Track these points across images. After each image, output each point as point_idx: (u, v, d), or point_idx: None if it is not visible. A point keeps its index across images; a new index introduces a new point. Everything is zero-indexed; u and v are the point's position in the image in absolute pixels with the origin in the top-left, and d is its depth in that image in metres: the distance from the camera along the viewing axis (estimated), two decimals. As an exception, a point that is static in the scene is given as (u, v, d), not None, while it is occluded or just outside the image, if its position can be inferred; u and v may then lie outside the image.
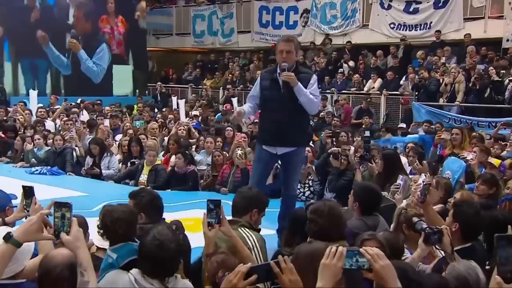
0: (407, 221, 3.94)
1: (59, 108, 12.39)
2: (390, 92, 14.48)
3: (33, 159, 8.92)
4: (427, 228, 3.27)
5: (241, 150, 7.50)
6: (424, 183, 3.89)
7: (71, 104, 12.87)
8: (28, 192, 3.32)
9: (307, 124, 5.46)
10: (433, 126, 10.39)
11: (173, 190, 7.63)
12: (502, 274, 2.33)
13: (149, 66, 21.71)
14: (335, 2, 17.75)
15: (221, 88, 18.11)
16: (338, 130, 9.80)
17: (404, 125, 11.35)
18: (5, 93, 14.83)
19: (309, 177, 7.28)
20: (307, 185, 7.30)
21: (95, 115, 11.75)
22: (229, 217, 3.57)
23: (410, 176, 5.92)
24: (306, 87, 4.97)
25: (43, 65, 17.61)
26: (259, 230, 4.01)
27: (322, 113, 12.86)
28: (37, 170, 8.43)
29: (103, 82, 18.81)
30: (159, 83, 18.71)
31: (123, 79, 19.42)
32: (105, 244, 3.22)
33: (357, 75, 15.54)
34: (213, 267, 2.89)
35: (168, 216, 5.42)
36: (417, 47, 15.98)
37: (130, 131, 9.48)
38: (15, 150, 9.40)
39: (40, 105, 12.42)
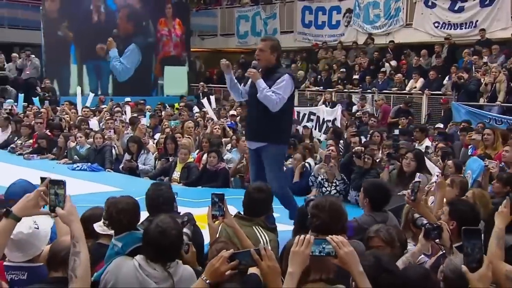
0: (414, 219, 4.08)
1: (105, 107, 13.06)
2: (432, 92, 14.36)
3: (76, 156, 9.49)
4: (427, 224, 3.41)
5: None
6: (414, 181, 3.99)
7: (117, 103, 13.54)
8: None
9: (280, 122, 5.38)
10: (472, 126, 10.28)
11: (203, 187, 7.93)
12: (467, 264, 2.50)
13: (197, 67, 22.31)
14: (378, 1, 17.70)
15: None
16: (373, 130, 9.94)
17: (441, 125, 11.25)
18: (56, 92, 15.61)
19: (337, 177, 7.41)
20: (334, 184, 7.43)
21: (137, 114, 12.29)
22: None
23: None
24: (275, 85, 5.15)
25: (106, 67, 18.56)
26: (274, 229, 4.22)
27: (358, 113, 12.92)
28: (78, 166, 9.00)
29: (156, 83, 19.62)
30: (201, 83, 19.17)
31: (178, 80, 20.06)
32: (107, 230, 3.48)
33: (399, 74, 15.48)
34: (213, 255, 3.14)
35: (195, 212, 5.75)
36: (462, 46, 15.74)
37: (168, 130, 9.88)
38: (59, 147, 9.99)
39: (87, 104, 13.11)
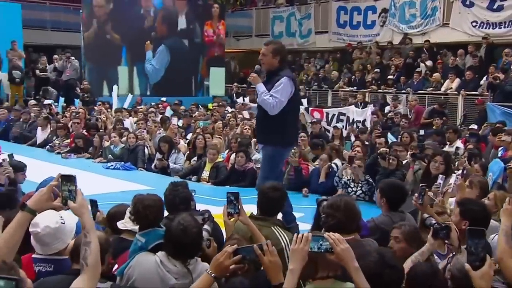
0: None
1: (141, 108, 13.44)
2: (468, 92, 14.15)
3: (110, 155, 9.83)
4: (436, 224, 3.49)
5: (294, 148, 7.86)
6: (421, 185, 4.07)
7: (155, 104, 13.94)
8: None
9: (278, 124, 5.39)
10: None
11: (231, 186, 8.11)
12: (471, 263, 2.60)
13: (231, 67, 22.59)
14: (415, 1, 17.56)
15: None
16: (403, 131, 9.91)
17: (475, 126, 11.11)
18: (93, 93, 16.10)
19: (360, 178, 7.48)
20: (360, 185, 7.50)
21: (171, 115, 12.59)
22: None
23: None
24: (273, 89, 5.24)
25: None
26: (291, 228, 4.35)
27: (390, 114, 12.88)
28: (112, 165, 9.34)
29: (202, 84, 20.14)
30: (234, 84, 19.41)
31: (219, 80, 20.45)
32: (128, 226, 3.68)
33: (436, 74, 15.31)
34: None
35: (218, 211, 5.95)
36: (500, 45, 15.44)
37: (199, 130, 10.12)
38: (94, 147, 10.36)
39: (125, 105, 13.55)
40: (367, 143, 8.72)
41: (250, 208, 6.59)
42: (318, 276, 2.74)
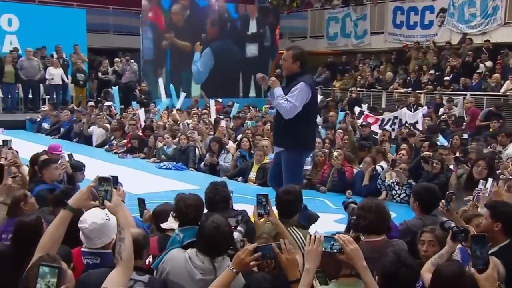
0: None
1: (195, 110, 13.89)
2: (528, 94, 13.79)
3: (163, 156, 10.23)
4: (455, 227, 3.58)
5: (337, 151, 8.00)
6: (448, 192, 4.13)
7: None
8: (114, 181, 4.05)
9: (294, 129, 5.51)
10: None
11: (277, 187, 8.36)
12: (476, 267, 2.76)
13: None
14: (475, 0, 17.18)
15: (349, 89, 18.48)
16: (453, 134, 9.82)
17: (529, 130, 10.82)
18: (150, 95, 16.74)
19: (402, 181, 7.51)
20: (404, 188, 7.53)
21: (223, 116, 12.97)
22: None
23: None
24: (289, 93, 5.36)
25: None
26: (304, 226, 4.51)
27: (443, 116, 12.73)
28: (164, 165, 9.75)
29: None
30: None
31: None
32: (173, 226, 3.94)
33: (496, 74, 14.95)
34: None
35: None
36: None
37: (247, 131, 10.40)
38: (149, 147, 10.79)
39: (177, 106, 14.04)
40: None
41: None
42: (341, 274, 2.94)
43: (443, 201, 4.08)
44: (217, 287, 2.89)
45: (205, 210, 4.12)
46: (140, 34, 18.95)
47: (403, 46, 19.14)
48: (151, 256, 3.57)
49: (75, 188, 6.26)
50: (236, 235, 3.66)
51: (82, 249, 3.61)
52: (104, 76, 17.96)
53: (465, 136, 8.75)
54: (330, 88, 19.45)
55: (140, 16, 18.89)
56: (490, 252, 3.73)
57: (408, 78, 17.49)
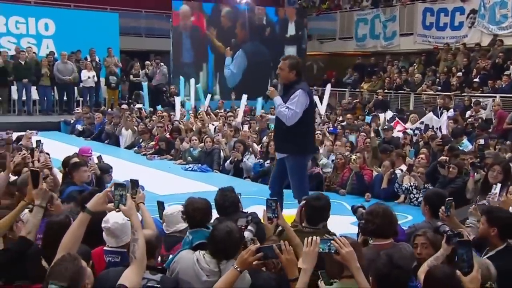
0: None
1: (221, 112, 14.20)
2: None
3: (189, 157, 10.53)
4: (449, 231, 3.74)
5: (356, 155, 8.19)
6: (447, 199, 4.26)
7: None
8: (134, 184, 4.23)
9: (296, 135, 5.78)
10: None
11: (299, 189, 8.57)
12: (461, 269, 2.98)
13: (314, 70, 22.99)
14: (506, 0, 16.99)
15: (376, 92, 18.54)
16: (477, 138, 9.85)
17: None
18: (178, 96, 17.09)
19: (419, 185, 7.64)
20: (422, 192, 7.65)
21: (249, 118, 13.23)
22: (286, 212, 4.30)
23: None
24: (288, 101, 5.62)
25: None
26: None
27: (470, 119, 12.71)
28: (190, 167, 10.04)
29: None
30: (314, 87, 19.74)
31: None
32: (178, 227, 4.22)
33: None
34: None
35: (284, 212, 6.43)
36: None
37: (271, 133, 10.61)
38: (176, 149, 11.08)
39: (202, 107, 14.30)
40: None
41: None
42: (343, 275, 3.16)
43: (443, 207, 4.22)
44: (222, 285, 3.12)
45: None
46: (170, 37, 19.36)
47: (433, 47, 19.04)
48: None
49: (101, 190, 6.64)
50: (247, 234, 3.87)
51: (105, 248, 3.83)
52: (135, 78, 18.41)
53: (482, 141, 8.75)
54: (358, 89, 19.48)
55: (170, 20, 19.26)
56: (487, 256, 3.96)
57: (437, 80, 17.42)
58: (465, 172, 7.45)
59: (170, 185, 8.88)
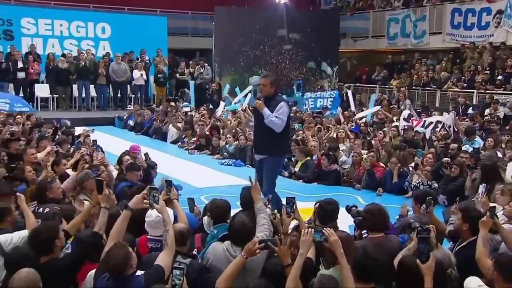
0: None
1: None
2: None
3: (225, 153, 11.24)
4: (419, 227, 4.27)
5: (369, 153, 8.80)
6: (428, 198, 4.79)
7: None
8: (169, 183, 4.96)
9: (277, 139, 6.57)
10: None
11: (318, 183, 9.25)
12: (420, 259, 3.71)
13: (347, 67, 23.37)
14: (532, 1, 16.98)
15: (406, 88, 18.79)
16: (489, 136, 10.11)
17: None
18: (220, 94, 17.60)
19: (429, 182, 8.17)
20: (428, 186, 8.07)
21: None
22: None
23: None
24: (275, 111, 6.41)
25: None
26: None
27: (486, 117, 12.91)
28: (225, 162, 10.77)
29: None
30: (346, 84, 20.18)
31: None
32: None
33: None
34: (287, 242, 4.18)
35: (304, 205, 7.05)
36: None
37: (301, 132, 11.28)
38: (213, 145, 11.83)
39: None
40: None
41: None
42: (337, 262, 3.73)
43: (424, 205, 4.78)
44: (231, 269, 3.75)
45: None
46: (212, 36, 20.06)
47: (460, 46, 19.14)
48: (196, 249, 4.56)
49: (148, 184, 7.42)
50: (268, 211, 4.55)
51: (148, 237, 4.46)
52: (181, 76, 19.27)
53: (477, 145, 9.11)
54: (387, 86, 19.83)
55: (213, 24, 19.96)
56: (461, 246, 4.59)
57: (463, 77, 17.57)
58: (466, 171, 7.80)
59: (207, 178, 9.61)
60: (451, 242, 5.03)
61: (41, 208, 5.19)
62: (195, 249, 4.61)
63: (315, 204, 5.22)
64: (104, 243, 4.10)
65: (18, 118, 10.80)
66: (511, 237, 4.52)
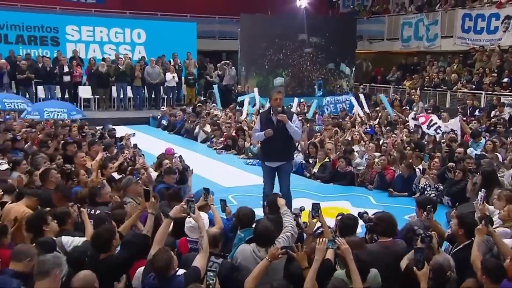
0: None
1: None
2: None
3: (250, 153, 11.51)
4: (422, 233, 4.63)
5: (380, 157, 9.09)
6: (428, 206, 5.09)
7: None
8: (207, 190, 5.41)
9: (291, 146, 7.27)
10: None
11: (334, 184, 9.55)
12: (417, 266, 4.06)
13: (363, 67, 23.49)
14: (539, 7, 16.88)
15: (418, 88, 18.89)
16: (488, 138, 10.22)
17: None
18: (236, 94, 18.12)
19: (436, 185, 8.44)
20: (435, 188, 8.43)
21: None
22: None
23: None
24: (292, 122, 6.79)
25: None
26: None
27: (493, 119, 12.93)
28: (250, 162, 11.06)
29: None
30: (361, 85, 20.32)
31: None
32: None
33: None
34: (309, 250, 4.46)
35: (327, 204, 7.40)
36: None
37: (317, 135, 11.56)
38: (239, 146, 12.11)
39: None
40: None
41: (344, 204, 8.11)
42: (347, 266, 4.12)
43: (425, 213, 5.08)
44: (257, 271, 4.08)
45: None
46: (238, 39, 20.35)
47: (470, 49, 19.12)
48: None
49: (181, 188, 7.78)
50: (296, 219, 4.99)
51: (188, 239, 4.80)
52: (209, 77, 19.67)
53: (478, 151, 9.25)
54: (401, 86, 19.93)
55: (239, 30, 20.21)
56: (457, 249, 4.84)
57: (472, 79, 17.57)
58: (468, 175, 7.96)
59: (233, 177, 9.93)
60: (449, 244, 5.28)
61: (93, 210, 5.64)
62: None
63: (337, 216, 5.49)
64: (151, 243, 4.50)
65: (66, 120, 11.31)
66: (502, 243, 4.81)
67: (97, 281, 3.77)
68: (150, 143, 12.49)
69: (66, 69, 16.82)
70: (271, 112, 6.89)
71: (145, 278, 4.08)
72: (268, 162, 7.05)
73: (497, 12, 18.31)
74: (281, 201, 5.08)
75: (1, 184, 6.10)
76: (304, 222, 5.12)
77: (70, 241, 4.73)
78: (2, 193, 5.84)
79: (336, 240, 4.12)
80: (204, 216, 4.94)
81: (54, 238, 4.73)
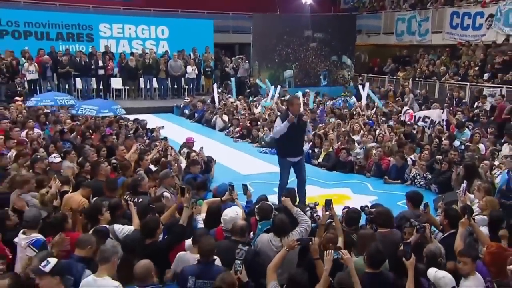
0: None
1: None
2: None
3: (263, 142, 11.61)
4: (417, 225, 4.87)
5: (377, 148, 9.32)
6: (424, 202, 5.33)
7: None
8: (232, 187, 5.71)
9: (304, 143, 7.87)
10: None
11: (337, 171, 9.78)
12: (405, 257, 4.31)
13: (362, 59, 23.45)
14: (519, 7, 16.74)
15: (410, 79, 18.93)
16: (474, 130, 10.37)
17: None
18: (256, 88, 18.17)
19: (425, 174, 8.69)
20: (423, 177, 8.68)
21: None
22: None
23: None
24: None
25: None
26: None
27: (476, 110, 12.98)
28: (263, 150, 11.19)
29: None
30: (360, 76, 20.34)
31: None
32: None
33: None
34: (325, 240, 4.78)
35: (320, 192, 7.69)
36: None
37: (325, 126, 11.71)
38: (252, 135, 12.23)
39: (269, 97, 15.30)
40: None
41: (345, 191, 8.31)
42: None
43: (421, 207, 5.33)
44: (277, 259, 4.36)
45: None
46: (250, 32, 20.28)
47: (457, 43, 19.07)
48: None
49: (209, 172, 8.06)
50: (308, 213, 5.16)
51: (223, 228, 5.01)
52: (227, 69, 19.78)
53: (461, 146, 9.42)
54: (395, 77, 19.98)
55: (252, 28, 20.10)
56: (442, 237, 5.10)
57: (458, 71, 17.58)
58: (453, 166, 8.17)
59: (249, 165, 10.06)
60: (436, 231, 5.45)
61: (136, 199, 5.96)
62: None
63: (343, 209, 5.67)
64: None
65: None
66: (481, 232, 5.07)
67: (154, 268, 4.07)
68: (174, 131, 12.73)
69: (100, 63, 17.03)
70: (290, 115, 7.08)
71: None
72: (290, 157, 7.27)
73: (482, 11, 18.20)
74: (287, 201, 5.24)
75: (58, 176, 6.33)
76: (317, 215, 5.33)
77: (121, 229, 5.06)
78: (60, 184, 6.13)
79: (340, 251, 4.28)
80: (238, 210, 5.23)
81: (107, 226, 5.05)
